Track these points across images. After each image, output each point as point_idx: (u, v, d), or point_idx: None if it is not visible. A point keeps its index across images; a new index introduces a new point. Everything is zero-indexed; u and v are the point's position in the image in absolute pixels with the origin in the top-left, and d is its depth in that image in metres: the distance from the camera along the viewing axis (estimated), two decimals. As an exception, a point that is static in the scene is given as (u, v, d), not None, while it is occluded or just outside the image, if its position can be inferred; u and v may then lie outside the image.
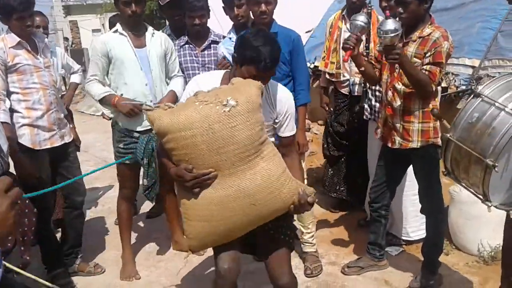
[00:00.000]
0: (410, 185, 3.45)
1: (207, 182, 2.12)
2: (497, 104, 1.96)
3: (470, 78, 4.44)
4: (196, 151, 2.10)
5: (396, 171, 3.23)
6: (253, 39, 2.29)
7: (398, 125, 2.97)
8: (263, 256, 2.49)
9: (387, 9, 3.44)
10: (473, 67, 4.50)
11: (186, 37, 3.73)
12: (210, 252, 3.31)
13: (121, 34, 3.35)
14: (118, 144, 3.46)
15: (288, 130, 2.53)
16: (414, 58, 2.83)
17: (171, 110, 2.16)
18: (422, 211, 3.18)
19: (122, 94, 3.33)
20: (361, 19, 2.93)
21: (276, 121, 2.50)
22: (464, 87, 4.39)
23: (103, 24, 23.43)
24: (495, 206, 2.09)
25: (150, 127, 3.26)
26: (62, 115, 3.40)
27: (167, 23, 4.23)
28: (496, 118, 1.96)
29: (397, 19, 2.77)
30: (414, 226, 3.69)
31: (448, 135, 2.11)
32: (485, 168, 1.98)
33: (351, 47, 2.88)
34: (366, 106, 3.74)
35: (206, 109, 2.05)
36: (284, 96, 2.50)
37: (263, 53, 2.24)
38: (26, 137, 3.19)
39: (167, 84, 3.50)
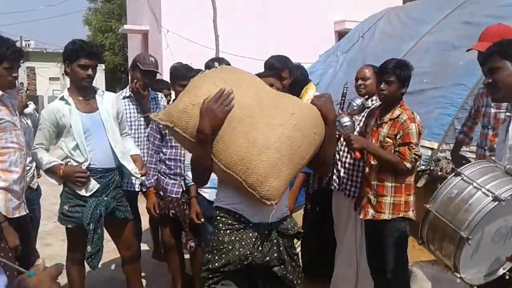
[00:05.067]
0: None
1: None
2: (475, 184, 2.13)
3: (429, 159, 4.67)
4: None
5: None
6: None
7: (372, 198, 3.12)
8: None
9: (362, 87, 3.66)
10: (432, 149, 4.75)
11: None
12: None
13: (67, 102, 3.20)
14: (64, 205, 3.26)
15: None
16: (387, 138, 3.05)
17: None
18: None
19: (68, 162, 3.22)
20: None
21: None
22: (423, 167, 4.60)
23: (63, 74, 23.28)
24: (462, 279, 2.19)
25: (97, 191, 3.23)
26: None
27: (129, 85, 4.21)
28: (473, 196, 2.11)
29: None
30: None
31: (428, 206, 2.25)
32: (458, 241, 2.10)
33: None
34: (334, 177, 3.80)
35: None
36: None
37: None
38: (0, 203, 2.78)
39: None
